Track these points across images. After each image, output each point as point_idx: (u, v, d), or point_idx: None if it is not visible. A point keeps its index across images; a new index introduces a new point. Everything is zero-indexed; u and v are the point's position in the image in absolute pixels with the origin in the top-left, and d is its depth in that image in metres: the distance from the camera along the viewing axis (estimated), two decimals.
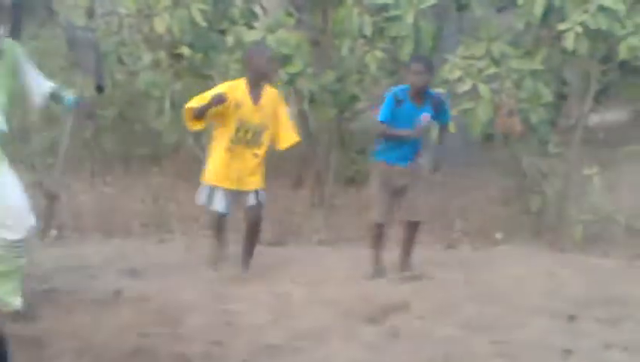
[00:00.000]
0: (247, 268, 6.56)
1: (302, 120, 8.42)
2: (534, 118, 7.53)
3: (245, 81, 6.39)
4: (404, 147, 6.47)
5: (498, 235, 7.80)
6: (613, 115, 13.66)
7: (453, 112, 7.17)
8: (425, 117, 6.39)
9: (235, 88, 6.36)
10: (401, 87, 6.45)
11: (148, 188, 8.62)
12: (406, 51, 7.56)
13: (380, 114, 6.40)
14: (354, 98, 8.21)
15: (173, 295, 5.95)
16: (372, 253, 6.66)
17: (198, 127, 6.42)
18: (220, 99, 6.18)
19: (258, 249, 6.67)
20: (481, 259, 7.11)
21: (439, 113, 6.53)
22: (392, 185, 6.52)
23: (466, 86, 7.43)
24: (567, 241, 7.30)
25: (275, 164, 8.85)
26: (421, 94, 6.38)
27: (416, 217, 6.65)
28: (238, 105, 6.30)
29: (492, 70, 7.45)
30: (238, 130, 6.34)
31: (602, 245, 7.19)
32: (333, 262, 6.75)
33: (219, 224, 6.67)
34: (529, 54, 7.73)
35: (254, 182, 6.49)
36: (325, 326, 5.48)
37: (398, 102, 6.34)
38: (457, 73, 7.48)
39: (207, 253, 6.75)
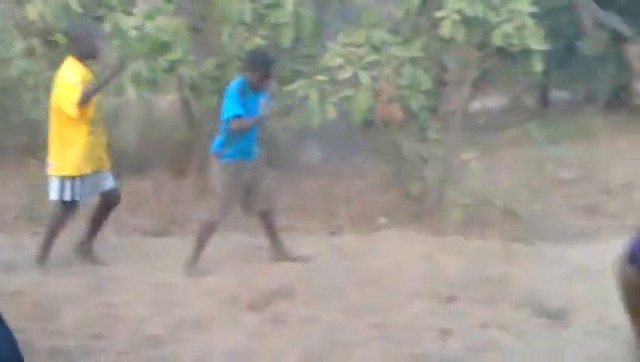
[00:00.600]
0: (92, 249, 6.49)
1: (184, 107, 8.31)
2: (414, 105, 7.64)
3: (76, 60, 6.26)
4: (250, 140, 6.51)
5: (380, 220, 7.89)
6: (492, 101, 14.06)
7: (334, 100, 7.21)
8: (264, 102, 6.52)
9: (80, 71, 6.23)
10: (238, 81, 6.48)
11: (23, 180, 8.33)
12: (286, 38, 7.55)
13: (232, 110, 6.36)
14: None
15: (50, 288, 5.80)
16: (198, 249, 6.51)
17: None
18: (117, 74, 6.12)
19: (141, 239, 6.58)
20: (363, 245, 7.17)
21: (268, 97, 6.67)
22: (244, 183, 6.49)
23: (346, 73, 7.47)
24: (446, 224, 7.44)
25: (159, 152, 8.75)
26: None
27: (267, 205, 6.68)
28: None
29: (372, 57, 7.52)
30: (95, 110, 6.25)
31: (480, 228, 7.36)
32: (217, 250, 6.69)
33: (67, 216, 6.49)
34: (408, 42, 7.84)
35: (107, 160, 6.46)
36: (207, 314, 5.45)
37: (243, 94, 6.35)
38: (338, 60, 7.52)
39: (39, 249, 6.49)
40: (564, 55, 12.18)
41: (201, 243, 6.48)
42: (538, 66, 8.36)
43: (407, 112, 7.62)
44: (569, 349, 5.00)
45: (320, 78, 7.36)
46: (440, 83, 8.74)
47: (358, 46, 7.61)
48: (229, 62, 7.97)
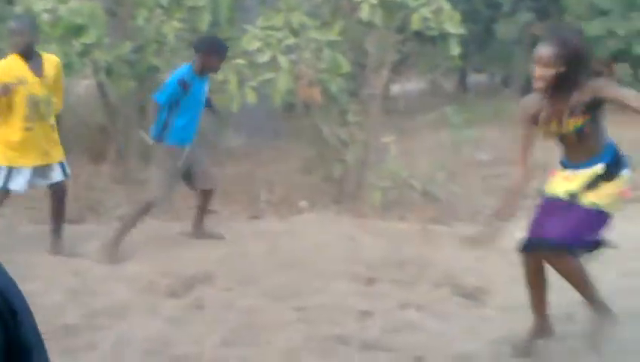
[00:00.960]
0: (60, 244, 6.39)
1: (100, 92, 8.15)
2: (334, 88, 7.67)
3: (17, 56, 6.06)
4: (192, 125, 6.48)
5: (302, 204, 7.90)
6: (412, 85, 14.19)
7: (253, 83, 7.17)
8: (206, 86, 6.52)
9: (11, 67, 6.03)
10: (184, 69, 6.40)
11: None
12: (204, 22, 7.47)
13: (160, 96, 6.34)
14: (153, 69, 8.04)
15: None
16: (121, 234, 6.46)
17: None
18: (6, 92, 5.87)
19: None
20: (285, 228, 7.18)
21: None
22: (182, 167, 6.51)
23: (265, 57, 7.44)
24: (366, 207, 7.50)
25: (75, 138, 8.57)
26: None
27: (211, 185, 6.76)
28: (21, 83, 5.98)
29: (291, 41, 7.50)
30: (29, 107, 6.04)
31: (400, 210, 7.44)
32: (135, 237, 6.60)
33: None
34: (327, 25, 7.85)
35: (59, 154, 6.28)
36: (125, 302, 5.37)
37: (186, 85, 6.30)
38: (257, 44, 7.48)
39: None
40: (481, 39, 12.36)
41: (127, 227, 6.46)
42: (455, 50, 8.46)
43: (326, 95, 7.63)
44: (485, 327, 5.09)
45: (239, 61, 7.31)
46: (360, 66, 8.78)
47: (277, 29, 7.59)
48: (145, 45, 7.85)
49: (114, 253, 6.27)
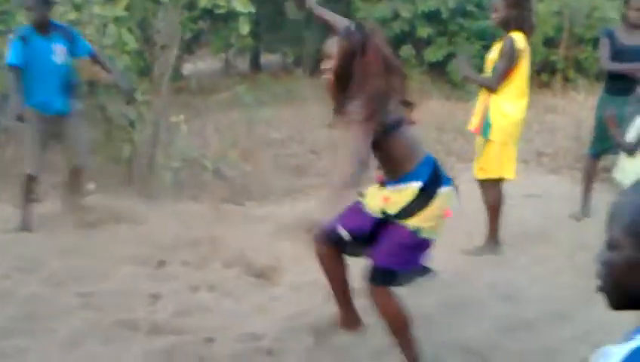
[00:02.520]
0: None
1: None
2: (120, 66, 7.40)
3: None
4: (45, 92, 6.25)
5: (89, 186, 7.59)
6: (205, 64, 14.04)
7: None
8: (60, 49, 6.26)
9: None
10: (22, 27, 6.28)
11: None
12: None
13: (10, 57, 6.14)
14: None
15: None
16: (23, 205, 6.41)
17: None
18: None
19: None
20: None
21: (74, 44, 6.39)
22: (44, 134, 6.28)
23: None
24: (157, 188, 7.32)
25: None
26: (46, 27, 6.23)
27: (80, 163, 6.53)
28: None
29: (73, 16, 7.17)
30: None
31: (191, 190, 7.33)
32: None
33: None
34: (112, 1, 7.56)
35: None
36: None
37: (25, 40, 6.06)
38: None
39: None
40: (273, 19, 12.40)
41: (23, 198, 6.40)
42: (245, 29, 8.42)
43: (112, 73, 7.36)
44: (276, 305, 5.10)
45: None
46: (149, 44, 8.54)
47: (59, 3, 7.21)
48: None
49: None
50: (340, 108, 3.84)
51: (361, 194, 4.15)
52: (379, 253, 3.94)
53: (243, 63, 14.66)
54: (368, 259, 3.99)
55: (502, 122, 5.73)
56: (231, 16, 9.56)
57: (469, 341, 4.51)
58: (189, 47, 11.73)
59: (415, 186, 3.82)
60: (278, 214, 6.83)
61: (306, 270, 5.58)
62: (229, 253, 5.89)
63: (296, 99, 10.36)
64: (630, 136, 5.21)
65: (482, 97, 5.86)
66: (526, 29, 5.71)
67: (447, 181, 3.94)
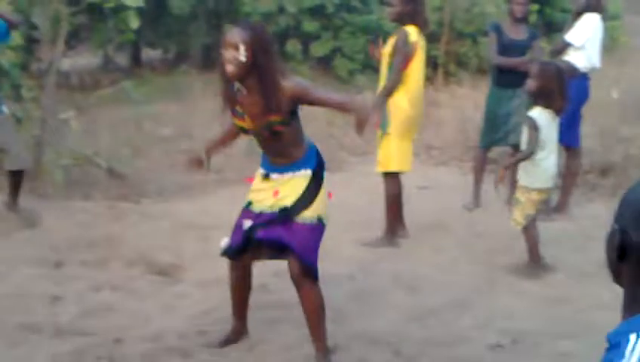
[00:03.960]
0: None
1: None
2: (4, 62, 7.15)
3: None
4: None
5: None
6: (84, 60, 13.70)
7: None
8: None
9: None
10: None
11: None
12: None
13: None
14: None
15: None
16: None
17: None
18: None
19: None
20: None
21: None
22: None
23: None
24: (48, 187, 7.10)
25: None
26: None
27: (21, 165, 6.29)
28: None
29: None
30: None
31: (84, 188, 7.14)
32: None
33: None
34: None
35: None
36: None
37: None
38: None
39: None
40: (154, 14, 12.21)
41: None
42: (135, 23, 8.30)
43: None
44: (182, 303, 5.05)
45: None
46: (31, 40, 8.29)
47: None
48: None
49: None
50: (234, 97, 3.94)
51: (249, 202, 4.21)
52: (302, 252, 4.01)
53: (123, 58, 14.37)
54: (290, 258, 4.05)
55: (399, 116, 5.85)
56: (116, 10, 9.39)
57: (377, 331, 4.61)
58: (69, 42, 11.42)
59: (308, 173, 4.00)
60: (175, 211, 6.76)
61: (210, 266, 5.56)
62: (129, 252, 5.79)
63: (183, 95, 10.24)
64: (524, 136, 5.39)
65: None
66: (420, 23, 5.86)
67: (324, 168, 4.15)
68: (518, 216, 5.39)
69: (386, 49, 5.91)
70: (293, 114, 3.96)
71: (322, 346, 4.20)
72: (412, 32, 5.78)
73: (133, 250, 5.82)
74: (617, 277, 1.60)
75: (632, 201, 1.55)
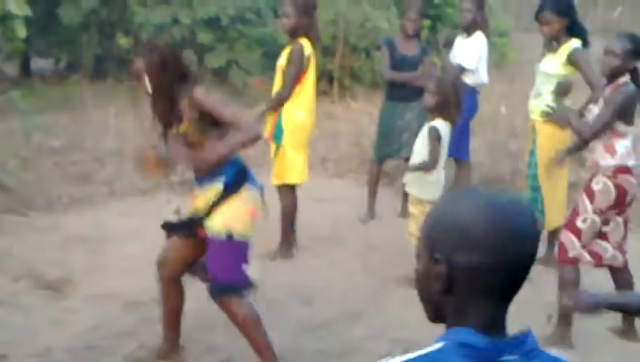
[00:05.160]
0: None
1: None
2: None
3: None
4: None
5: None
6: None
7: None
8: None
9: None
10: None
11: None
12: None
13: None
14: None
15: None
16: None
17: None
18: None
19: None
20: None
21: None
22: None
23: None
24: None
25: None
26: None
27: None
28: None
29: None
30: None
31: None
32: None
33: None
34: None
35: None
36: None
37: None
38: None
39: None
40: (45, 22, 11.90)
41: None
42: (22, 32, 8.05)
43: None
44: (72, 318, 4.93)
45: None
46: None
47: None
48: None
49: None
50: (170, 118, 3.96)
51: (177, 211, 4.24)
52: (214, 270, 4.02)
53: (11, 68, 13.94)
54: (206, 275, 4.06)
55: (292, 127, 5.87)
56: (3, 19, 9.09)
57: (272, 343, 4.58)
58: None
59: (219, 186, 3.98)
60: (64, 224, 6.59)
61: (100, 281, 5.47)
62: (15, 266, 5.62)
63: (74, 106, 9.98)
64: (418, 147, 5.46)
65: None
66: (312, 36, 5.90)
67: (254, 183, 4.10)
68: (413, 228, 5.44)
69: (280, 62, 5.92)
70: (206, 124, 3.95)
71: (267, 355, 4.18)
72: (306, 44, 5.81)
73: (20, 263, 5.65)
74: (438, 313, 1.59)
75: (449, 225, 1.51)
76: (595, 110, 4.73)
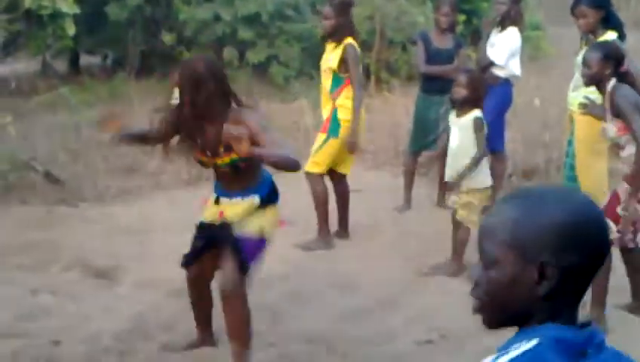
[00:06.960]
0: None
1: None
2: None
3: None
4: None
5: None
6: (22, 66, 13.62)
7: None
8: None
9: None
10: None
11: None
12: None
13: None
14: None
15: None
16: None
17: None
18: None
19: None
20: None
21: None
22: None
23: None
24: None
25: None
26: None
27: None
28: None
29: None
30: None
31: (21, 193, 7.17)
32: None
33: None
34: None
35: None
36: None
37: None
38: None
39: None
40: (93, 20, 12.22)
41: None
42: (71, 30, 8.35)
43: None
44: (121, 305, 5.15)
45: None
46: None
47: None
48: None
49: None
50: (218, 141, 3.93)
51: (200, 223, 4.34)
52: (247, 256, 4.13)
53: (61, 65, 14.30)
54: (225, 266, 4.13)
55: (348, 123, 6.13)
56: (53, 17, 9.41)
57: (312, 330, 4.78)
58: (6, 48, 11.39)
59: (256, 200, 4.14)
60: (113, 214, 6.85)
61: (147, 268, 5.68)
62: (67, 256, 5.87)
63: (121, 101, 10.27)
64: (457, 140, 5.57)
65: (325, 99, 6.29)
66: (355, 33, 6.15)
67: (278, 199, 4.30)
68: (473, 216, 5.51)
69: (328, 63, 6.14)
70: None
71: (247, 332, 4.23)
72: (355, 44, 6.07)
73: (71, 253, 5.90)
74: (517, 319, 1.55)
75: (545, 228, 1.48)
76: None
